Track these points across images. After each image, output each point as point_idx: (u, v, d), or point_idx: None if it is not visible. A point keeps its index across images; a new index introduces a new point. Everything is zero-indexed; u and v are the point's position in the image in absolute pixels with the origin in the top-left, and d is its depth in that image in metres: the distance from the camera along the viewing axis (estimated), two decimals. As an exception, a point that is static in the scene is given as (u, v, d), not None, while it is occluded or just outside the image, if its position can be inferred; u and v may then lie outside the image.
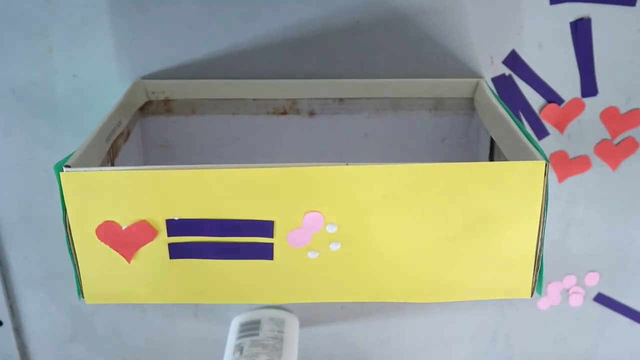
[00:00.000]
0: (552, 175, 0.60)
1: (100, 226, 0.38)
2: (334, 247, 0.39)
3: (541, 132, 0.58)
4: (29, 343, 0.67)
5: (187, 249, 0.39)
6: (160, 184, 0.37)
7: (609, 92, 0.57)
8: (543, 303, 0.67)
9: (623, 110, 0.58)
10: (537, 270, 0.40)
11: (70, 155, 0.39)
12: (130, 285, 0.41)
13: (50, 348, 0.68)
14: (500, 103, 0.47)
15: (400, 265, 0.41)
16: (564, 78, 0.56)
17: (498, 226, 0.38)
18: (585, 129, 0.58)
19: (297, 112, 0.55)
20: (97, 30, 0.52)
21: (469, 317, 0.68)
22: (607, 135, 0.59)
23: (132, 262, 0.40)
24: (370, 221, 0.39)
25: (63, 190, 0.37)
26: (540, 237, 0.39)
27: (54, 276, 0.63)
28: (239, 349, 0.59)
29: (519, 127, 0.42)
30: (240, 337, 0.61)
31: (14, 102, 0.55)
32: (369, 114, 0.56)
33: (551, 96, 0.57)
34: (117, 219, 0.38)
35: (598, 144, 0.59)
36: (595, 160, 0.60)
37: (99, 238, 0.39)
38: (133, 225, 0.38)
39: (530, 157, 0.38)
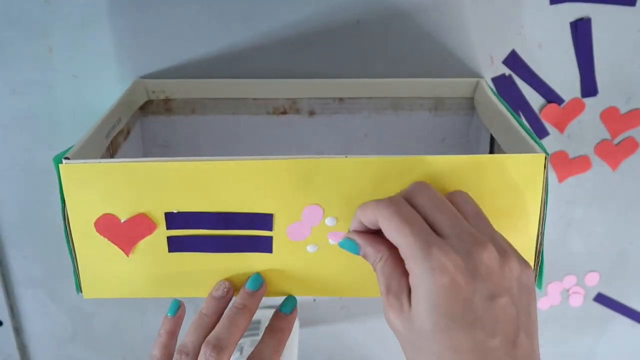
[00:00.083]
0: (552, 175, 0.60)
1: (99, 219, 0.38)
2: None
3: (541, 132, 0.58)
4: (29, 343, 0.67)
5: (186, 242, 0.39)
6: (160, 176, 0.37)
7: (609, 92, 0.57)
8: (543, 303, 0.67)
9: (623, 110, 0.58)
10: (537, 265, 0.40)
11: (70, 148, 0.39)
12: (128, 278, 0.41)
13: (50, 348, 0.68)
14: (500, 101, 0.48)
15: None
16: (564, 78, 0.56)
17: (498, 220, 0.38)
18: (585, 129, 0.58)
19: (297, 111, 0.56)
20: (97, 30, 0.53)
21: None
22: (607, 135, 0.59)
23: (131, 255, 0.40)
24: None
25: (62, 182, 0.37)
26: (540, 231, 0.39)
27: (54, 276, 0.63)
28: (239, 349, 0.59)
29: (519, 123, 0.42)
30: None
31: (14, 102, 0.55)
32: (368, 113, 0.56)
33: (551, 96, 0.57)
34: (116, 212, 0.38)
35: (598, 144, 0.59)
36: (595, 160, 0.59)
37: (98, 231, 0.39)
38: (132, 218, 0.38)
39: (530, 150, 0.38)
